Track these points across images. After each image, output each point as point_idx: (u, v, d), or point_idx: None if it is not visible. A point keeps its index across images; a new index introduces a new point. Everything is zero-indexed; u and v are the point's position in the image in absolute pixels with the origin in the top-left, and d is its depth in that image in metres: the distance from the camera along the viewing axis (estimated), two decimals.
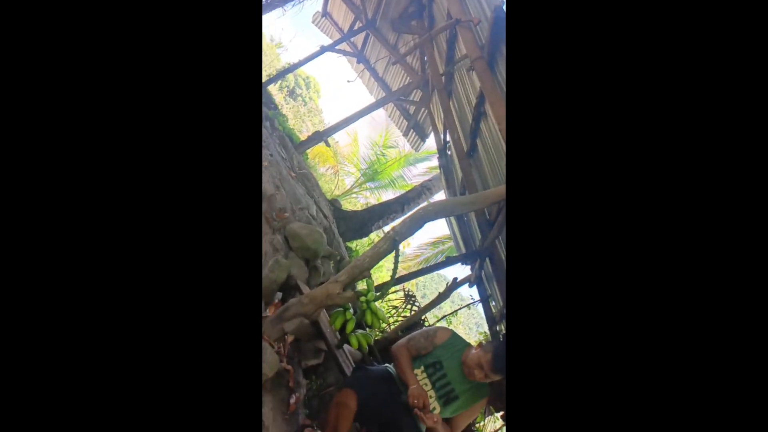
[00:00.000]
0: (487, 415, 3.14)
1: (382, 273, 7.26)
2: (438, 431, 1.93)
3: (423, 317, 3.42)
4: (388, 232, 2.10)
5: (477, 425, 3.13)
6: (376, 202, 7.04)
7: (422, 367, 2.09)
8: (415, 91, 5.03)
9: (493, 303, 3.94)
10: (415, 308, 3.79)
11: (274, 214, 2.91)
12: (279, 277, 2.38)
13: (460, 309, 4.18)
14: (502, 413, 2.66)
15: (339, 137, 10.06)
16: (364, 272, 2.10)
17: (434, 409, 1.99)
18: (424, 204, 4.74)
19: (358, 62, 6.36)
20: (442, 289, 3.53)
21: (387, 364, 2.25)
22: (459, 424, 2.03)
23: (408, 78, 5.15)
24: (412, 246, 8.09)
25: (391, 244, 2.05)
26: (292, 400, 2.03)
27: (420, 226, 2.11)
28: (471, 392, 2.02)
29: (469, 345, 2.12)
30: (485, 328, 4.02)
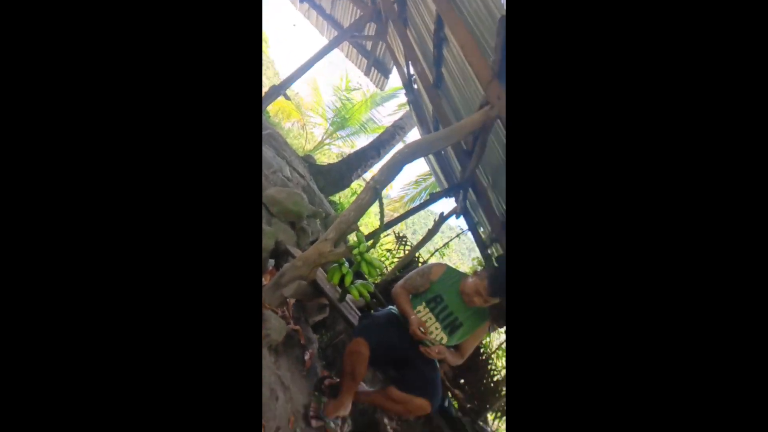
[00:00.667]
0: (492, 331, 3.36)
1: (370, 219, 7.32)
2: (447, 359, 2.06)
3: (417, 254, 3.51)
4: (369, 182, 2.06)
5: (484, 341, 3.35)
6: (351, 150, 6.88)
7: (423, 303, 2.17)
8: (368, 24, 4.69)
9: (482, 229, 4.06)
10: (407, 248, 3.88)
11: None
12: (267, 245, 2.36)
13: (450, 240, 4.30)
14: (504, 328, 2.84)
15: (298, 88, 9.52)
16: (352, 226, 2.10)
17: (441, 339, 2.10)
18: (399, 146, 4.64)
19: (302, 1, 5.82)
20: (430, 223, 3.59)
21: (391, 306, 2.33)
22: (467, 348, 2.17)
23: (358, 11, 4.77)
24: (395, 188, 8.10)
25: (373, 193, 2.03)
26: (307, 357, 2.12)
27: (399, 170, 2.08)
28: (473, 318, 2.13)
29: (464, 275, 2.20)
30: (478, 253, 4.18)
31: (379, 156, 5.54)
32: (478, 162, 2.90)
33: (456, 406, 2.68)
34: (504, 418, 3.29)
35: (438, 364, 2.14)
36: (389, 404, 1.97)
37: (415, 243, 3.77)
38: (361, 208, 2.04)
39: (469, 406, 3.00)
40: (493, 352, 3.69)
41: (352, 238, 2.29)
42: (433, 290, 2.18)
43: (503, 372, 3.37)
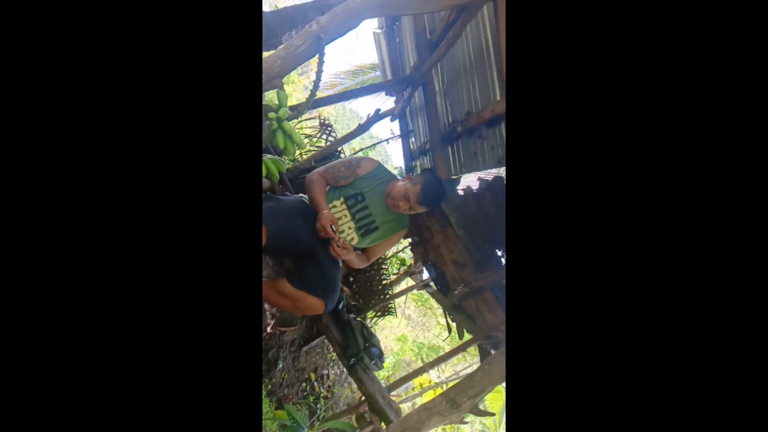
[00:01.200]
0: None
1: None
2: (352, 261, 1.87)
3: (339, 148, 3.13)
4: (310, 26, 1.53)
5: None
6: (289, 5, 5.63)
7: (342, 199, 1.88)
8: None
9: (413, 140, 3.78)
10: (331, 138, 3.44)
11: None
12: None
13: (379, 143, 3.97)
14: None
15: None
16: (274, 80, 1.59)
17: (352, 240, 1.88)
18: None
19: None
20: (353, 123, 3.17)
21: (301, 194, 2.00)
22: (376, 253, 2.01)
23: None
24: (326, 73, 7.15)
25: (314, 44, 1.52)
26: None
27: (354, 25, 1.57)
28: (391, 223, 1.93)
29: (395, 177, 1.94)
30: (401, 163, 3.96)
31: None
32: (440, 59, 2.48)
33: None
34: (381, 317, 3.48)
35: (341, 264, 1.94)
36: (276, 298, 1.75)
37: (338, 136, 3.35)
38: (292, 58, 1.53)
39: (353, 303, 3.03)
40: (388, 258, 3.76)
41: (272, 96, 1.79)
42: (356, 186, 1.89)
43: (392, 277, 3.48)
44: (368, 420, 1.89)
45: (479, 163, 2.49)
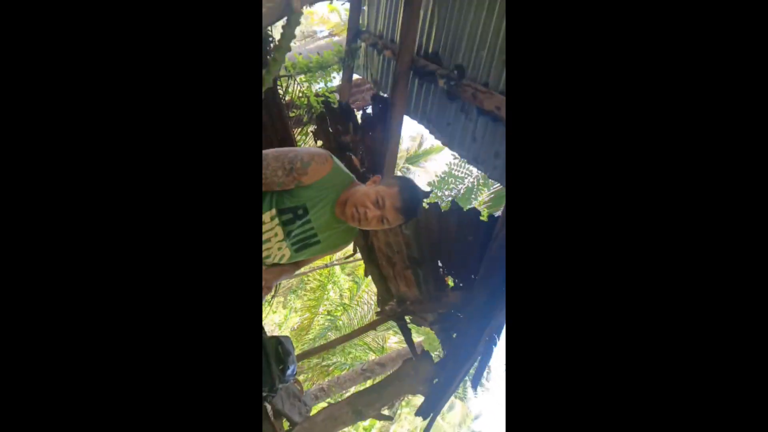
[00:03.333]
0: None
1: None
2: (267, 283, 1.44)
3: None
4: None
5: None
6: None
7: (273, 211, 1.30)
8: None
9: (365, 21, 2.82)
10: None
11: None
12: None
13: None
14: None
15: None
16: None
17: (282, 257, 1.40)
18: None
19: None
20: None
21: None
22: (307, 262, 1.58)
23: None
24: None
25: None
26: None
27: None
28: (337, 236, 1.45)
29: (353, 180, 1.38)
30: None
31: None
32: None
33: None
34: None
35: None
36: None
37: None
38: None
39: None
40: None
41: None
42: (299, 197, 1.30)
43: None
44: (271, 422, 1.83)
45: (453, 141, 1.98)
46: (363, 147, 2.58)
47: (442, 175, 5.02)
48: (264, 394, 1.75)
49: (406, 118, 2.42)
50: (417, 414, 1.94)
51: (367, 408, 1.54)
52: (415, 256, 2.01)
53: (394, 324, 2.34)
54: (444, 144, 2.04)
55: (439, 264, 1.98)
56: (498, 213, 1.62)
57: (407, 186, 1.23)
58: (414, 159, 7.74)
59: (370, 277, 2.45)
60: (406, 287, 2.31)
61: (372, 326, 2.37)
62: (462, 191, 4.81)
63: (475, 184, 4.68)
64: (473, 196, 4.72)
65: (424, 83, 2.18)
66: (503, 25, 1.56)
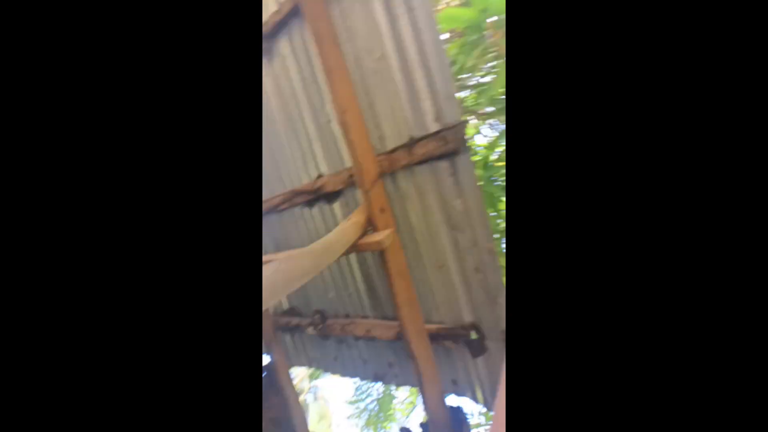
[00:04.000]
0: None
1: None
2: None
3: None
4: None
5: None
6: None
7: None
8: None
9: None
10: None
11: None
12: None
13: None
14: None
15: None
16: None
17: None
18: None
19: None
20: None
21: None
22: None
23: None
24: None
25: None
26: None
27: None
28: None
29: None
30: None
31: None
32: None
33: None
34: None
35: None
36: None
37: None
38: None
39: None
40: None
41: None
42: None
43: None
44: None
45: (346, 370, 2.12)
46: (267, 417, 2.43)
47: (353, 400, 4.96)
48: None
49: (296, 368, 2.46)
50: None
51: None
52: None
53: None
54: (342, 375, 2.14)
55: None
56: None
57: None
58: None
59: None
60: None
61: None
62: (376, 409, 4.86)
63: (383, 396, 4.82)
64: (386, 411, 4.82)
65: (295, 335, 2.36)
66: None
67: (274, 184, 2.10)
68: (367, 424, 4.91)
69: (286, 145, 1.95)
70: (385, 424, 4.86)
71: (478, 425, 3.57)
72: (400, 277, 1.49)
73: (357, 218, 1.50)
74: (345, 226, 1.46)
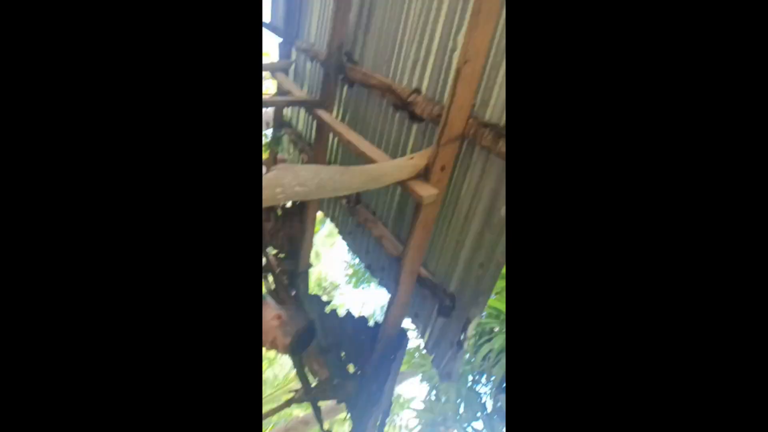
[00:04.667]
0: None
1: None
2: None
3: None
4: None
5: None
6: None
7: None
8: None
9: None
10: None
11: None
12: None
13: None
14: None
15: None
16: None
17: None
18: None
19: None
20: None
21: None
22: None
23: None
24: None
25: None
26: None
27: None
28: None
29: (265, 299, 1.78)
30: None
31: None
32: None
33: None
34: None
35: None
36: None
37: None
38: None
39: None
40: None
41: None
42: None
43: None
44: None
45: (354, 248, 2.48)
46: (283, 234, 2.99)
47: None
48: None
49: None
50: None
51: None
52: (323, 346, 2.43)
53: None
54: (348, 248, 2.53)
55: (341, 354, 2.41)
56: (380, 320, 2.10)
57: (299, 334, 1.67)
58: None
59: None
60: (318, 368, 2.70)
61: (284, 406, 2.68)
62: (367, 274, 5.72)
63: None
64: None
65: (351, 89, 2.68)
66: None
67: (379, 59, 2.06)
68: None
69: (406, 38, 1.85)
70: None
71: (412, 356, 4.26)
72: (422, 228, 1.64)
73: (417, 161, 1.56)
74: (402, 163, 1.54)
